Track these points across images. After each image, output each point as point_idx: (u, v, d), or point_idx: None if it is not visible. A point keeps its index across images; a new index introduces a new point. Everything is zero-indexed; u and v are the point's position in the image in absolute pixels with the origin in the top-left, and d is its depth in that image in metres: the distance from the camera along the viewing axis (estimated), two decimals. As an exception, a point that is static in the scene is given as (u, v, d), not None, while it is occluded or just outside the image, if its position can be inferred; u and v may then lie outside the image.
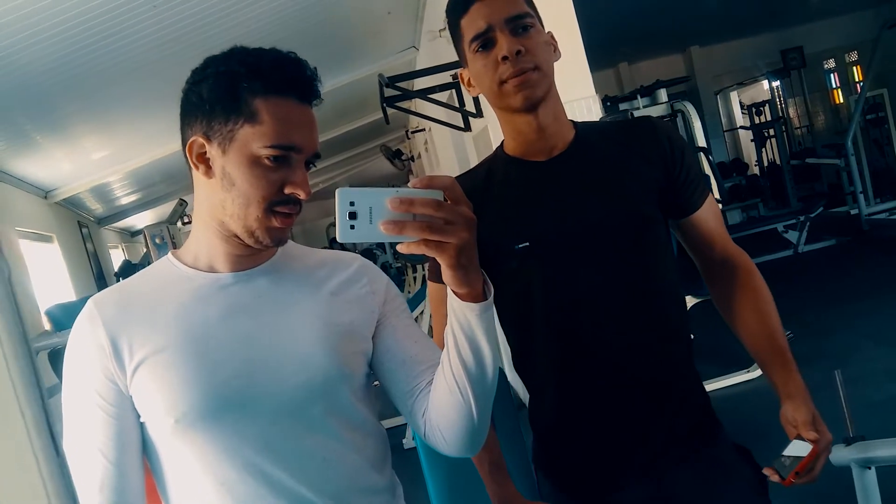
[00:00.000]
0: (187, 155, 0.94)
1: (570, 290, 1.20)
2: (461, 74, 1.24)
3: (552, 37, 1.21)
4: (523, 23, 1.13)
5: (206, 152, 0.93)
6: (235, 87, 0.90)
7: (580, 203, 1.18)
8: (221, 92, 0.91)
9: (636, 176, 1.20)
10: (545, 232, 1.19)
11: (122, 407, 0.94)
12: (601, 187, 1.19)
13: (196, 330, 0.94)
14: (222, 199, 0.93)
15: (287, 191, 0.91)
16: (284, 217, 0.93)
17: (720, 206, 7.01)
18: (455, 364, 0.92)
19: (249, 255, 0.99)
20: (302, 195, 0.92)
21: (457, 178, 1.31)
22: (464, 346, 0.90)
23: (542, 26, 1.19)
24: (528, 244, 1.19)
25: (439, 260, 0.82)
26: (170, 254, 1.02)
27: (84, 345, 0.95)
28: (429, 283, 1.34)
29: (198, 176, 0.95)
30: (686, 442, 1.23)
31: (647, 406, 1.21)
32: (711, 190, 1.35)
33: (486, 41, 1.13)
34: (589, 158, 1.20)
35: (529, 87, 1.13)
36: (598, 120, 1.35)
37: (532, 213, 1.21)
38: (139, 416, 0.95)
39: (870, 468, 2.10)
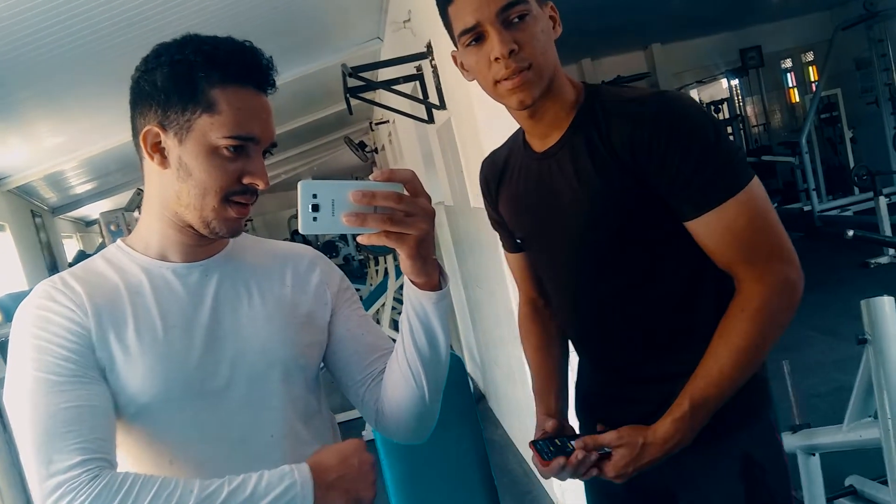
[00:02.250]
0: (141, 144, 0.93)
1: (557, 283, 1.25)
2: (454, 57, 1.15)
3: (553, 8, 1.10)
4: (517, 11, 1.03)
5: (160, 142, 0.92)
6: (192, 77, 0.89)
7: (563, 198, 1.13)
8: (177, 81, 0.90)
9: (623, 166, 1.07)
10: (532, 228, 1.24)
11: (96, 368, 0.89)
12: (585, 180, 1.10)
13: (155, 320, 0.93)
14: (177, 189, 0.92)
15: (246, 181, 0.92)
16: (241, 207, 0.93)
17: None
18: (410, 350, 0.96)
19: (202, 245, 0.99)
20: (261, 185, 0.92)
21: (488, 156, 1.35)
22: (419, 333, 0.94)
23: (541, 4, 1.08)
24: (522, 236, 1.29)
25: (399, 250, 0.86)
26: (119, 241, 1.01)
27: (56, 304, 0.90)
28: (505, 253, 1.39)
29: (151, 166, 0.94)
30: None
31: (629, 392, 1.20)
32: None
33: (476, 36, 1.05)
34: (578, 149, 1.11)
35: (525, 90, 1.06)
36: (613, 89, 1.16)
37: (524, 207, 1.24)
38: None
39: (814, 455, 2.17)
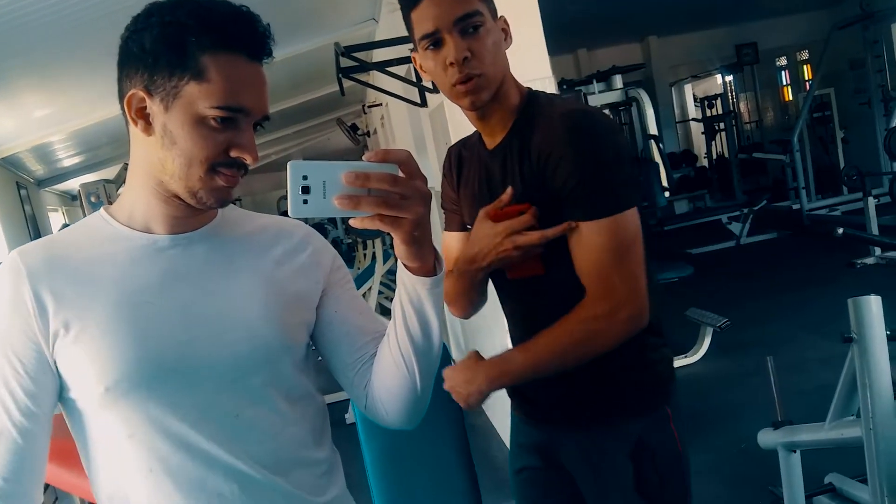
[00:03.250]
0: (125, 109, 0.89)
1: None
2: (414, 58, 1.24)
3: (505, 21, 1.23)
4: (473, 22, 1.14)
5: (146, 107, 0.87)
6: (182, 41, 0.84)
7: (498, 193, 1.24)
8: (167, 44, 0.85)
9: (533, 171, 1.20)
10: (476, 216, 1.29)
11: (38, 370, 0.88)
12: (513, 180, 1.23)
13: (131, 294, 0.89)
14: (162, 157, 0.88)
15: (233, 154, 0.87)
16: (229, 177, 0.89)
17: (667, 193, 7.17)
18: (402, 336, 0.93)
19: (188, 216, 0.95)
20: (249, 160, 0.88)
21: (456, 143, 1.44)
22: (412, 319, 0.91)
23: (494, 15, 1.20)
24: (469, 222, 1.34)
25: (393, 235, 0.83)
26: (102, 210, 0.97)
27: (3, 298, 0.88)
28: (445, 233, 1.42)
29: (135, 132, 0.90)
30: (569, 414, 1.31)
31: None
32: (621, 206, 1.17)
33: (434, 41, 1.16)
34: (513, 151, 1.23)
35: (475, 93, 1.17)
36: (548, 97, 1.28)
37: (474, 196, 1.33)
38: (60, 384, 0.90)
39: (795, 451, 2.18)
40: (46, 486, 1.85)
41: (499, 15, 1.23)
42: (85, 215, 5.94)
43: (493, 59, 1.17)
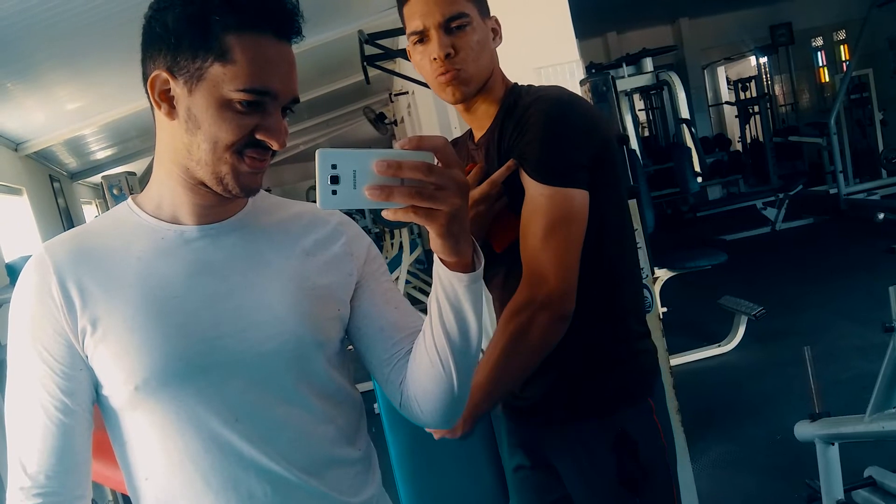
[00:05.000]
0: (148, 92, 0.85)
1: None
2: (408, 49, 1.28)
3: (496, 21, 1.28)
4: (458, 23, 1.20)
5: (169, 90, 0.84)
6: (206, 20, 0.80)
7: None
8: (189, 23, 0.81)
9: (518, 138, 1.23)
10: None
11: (72, 365, 0.86)
12: (495, 168, 1.25)
13: (158, 288, 0.86)
14: (187, 143, 0.84)
15: (259, 137, 0.83)
16: (255, 160, 0.84)
17: (700, 178, 7.05)
18: (438, 334, 0.87)
19: (217, 206, 0.91)
20: (275, 145, 0.84)
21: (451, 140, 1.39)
22: (448, 317, 0.85)
23: (485, 14, 1.25)
24: None
25: (428, 228, 0.77)
26: (130, 199, 0.94)
27: (32, 293, 0.87)
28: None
29: (160, 116, 0.86)
30: (552, 409, 1.31)
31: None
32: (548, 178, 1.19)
33: (421, 37, 1.22)
34: (494, 141, 1.27)
35: (455, 87, 1.22)
36: (527, 88, 1.30)
37: None
38: (94, 379, 0.88)
39: (833, 444, 2.11)
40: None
41: (491, 14, 1.27)
42: (108, 208, 6.01)
43: (476, 57, 1.21)
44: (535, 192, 1.18)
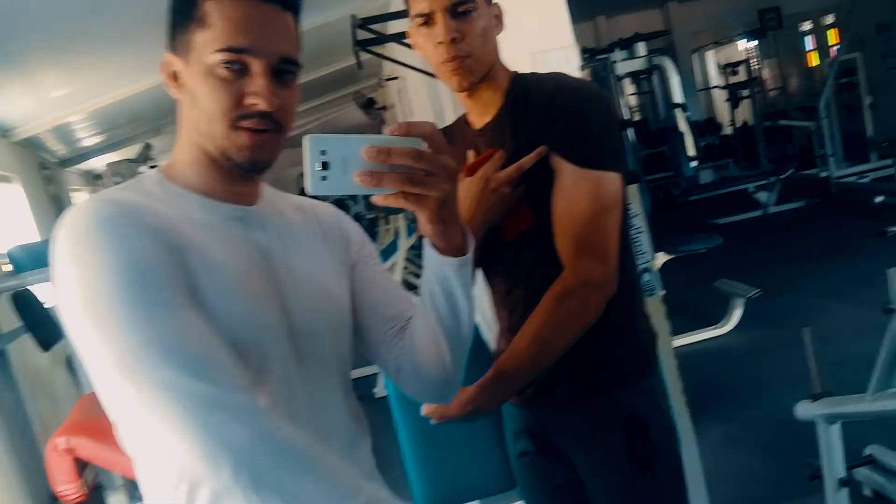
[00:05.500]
0: (162, 77, 0.87)
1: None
2: (408, 33, 1.27)
3: (499, 8, 1.27)
4: (465, 7, 1.18)
5: (177, 70, 0.85)
6: None
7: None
8: None
9: (529, 142, 1.22)
10: None
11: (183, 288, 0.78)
12: (519, 151, 1.23)
13: (221, 260, 0.84)
14: (193, 118, 0.84)
15: (246, 102, 0.81)
16: (254, 133, 0.83)
17: (694, 163, 7.07)
18: (430, 316, 0.90)
19: (240, 185, 0.90)
20: (262, 105, 0.81)
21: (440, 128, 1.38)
22: (440, 300, 0.88)
23: (487, 3, 1.23)
24: None
25: (418, 213, 0.79)
26: (156, 174, 0.90)
27: (132, 233, 0.77)
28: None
29: (178, 99, 0.87)
30: (557, 392, 1.29)
31: None
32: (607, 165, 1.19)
33: (426, 20, 1.20)
34: (503, 129, 1.26)
35: (462, 75, 1.21)
36: (536, 76, 1.29)
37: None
38: None
39: (834, 423, 2.14)
40: (86, 464, 1.87)
41: (493, 1, 1.26)
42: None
43: (481, 43, 1.20)
44: (577, 177, 1.18)
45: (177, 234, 0.81)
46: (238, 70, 0.81)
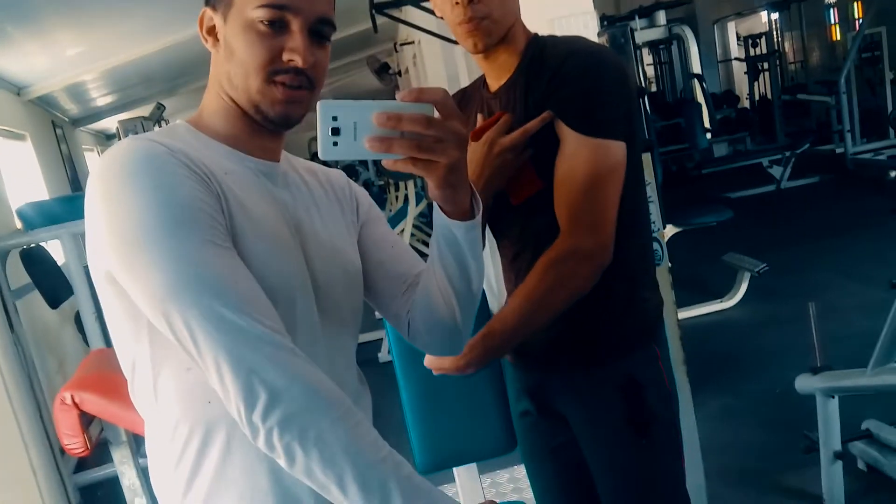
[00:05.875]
0: (199, 31, 0.89)
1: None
2: None
3: None
4: None
5: (214, 24, 0.88)
6: None
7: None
8: None
9: (538, 106, 1.22)
10: None
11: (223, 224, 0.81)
12: (518, 119, 1.23)
13: (255, 210, 0.86)
14: (227, 71, 0.87)
15: (284, 57, 0.84)
16: (288, 88, 0.85)
17: (709, 135, 6.99)
18: (440, 276, 0.92)
19: (267, 141, 0.92)
20: (299, 61, 0.84)
21: (458, 91, 1.42)
22: (448, 260, 0.90)
23: None
24: None
25: (427, 178, 0.80)
26: (187, 123, 0.92)
27: (162, 161, 0.79)
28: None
29: (212, 52, 0.90)
30: (559, 356, 1.32)
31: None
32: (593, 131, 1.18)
33: None
34: (518, 91, 1.25)
35: (478, 36, 1.19)
36: (553, 39, 1.28)
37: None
38: None
39: (833, 397, 2.15)
40: (93, 418, 1.92)
41: None
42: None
43: (500, 4, 1.18)
44: (578, 144, 1.17)
45: (216, 180, 0.83)
46: (277, 26, 0.84)
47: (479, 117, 1.30)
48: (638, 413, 1.27)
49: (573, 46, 1.22)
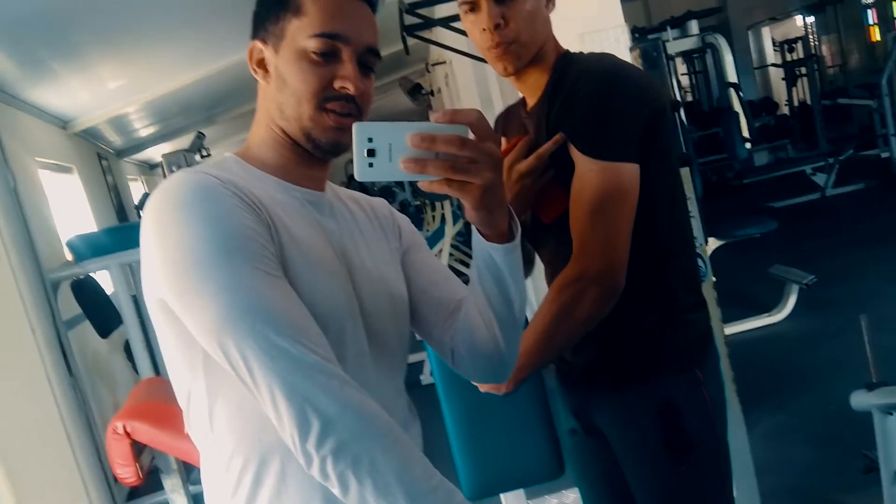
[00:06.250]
0: (248, 62, 0.92)
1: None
2: (461, 16, 1.27)
3: None
4: None
5: (264, 57, 0.91)
6: None
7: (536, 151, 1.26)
8: None
9: (568, 111, 1.21)
10: None
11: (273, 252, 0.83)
12: (544, 137, 1.23)
13: (303, 238, 0.88)
14: (279, 101, 0.89)
15: (336, 85, 0.87)
16: (338, 115, 0.87)
17: (748, 144, 6.86)
18: (481, 301, 0.92)
19: (315, 170, 0.94)
20: (350, 88, 0.87)
21: (505, 108, 1.44)
22: (489, 285, 0.90)
23: None
24: None
25: (462, 200, 0.80)
26: (234, 156, 0.94)
27: (215, 193, 0.81)
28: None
29: (261, 84, 0.92)
30: (600, 375, 1.31)
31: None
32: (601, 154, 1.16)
33: (472, 6, 1.20)
34: (545, 110, 1.24)
35: (508, 60, 1.21)
36: (582, 56, 1.28)
37: None
38: None
39: (891, 414, 2.07)
40: (144, 447, 1.94)
41: None
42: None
43: (527, 26, 1.19)
44: (585, 168, 1.17)
45: (266, 210, 0.85)
46: (329, 56, 0.87)
47: (503, 140, 1.30)
48: (676, 439, 1.25)
49: (589, 65, 1.22)
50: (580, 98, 1.17)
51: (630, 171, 1.16)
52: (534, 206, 1.28)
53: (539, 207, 1.27)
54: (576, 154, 1.18)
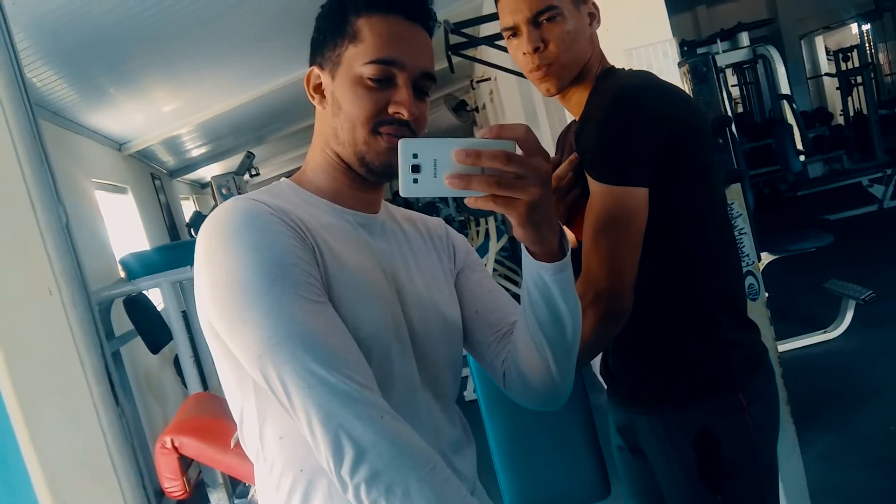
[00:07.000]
0: (305, 88, 0.94)
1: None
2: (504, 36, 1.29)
3: (594, 6, 1.26)
4: (547, 16, 1.18)
5: (320, 82, 0.92)
6: (342, 10, 0.89)
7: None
8: (330, 18, 0.90)
9: (582, 131, 1.22)
10: None
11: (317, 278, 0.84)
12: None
13: (350, 262, 0.88)
14: (334, 126, 0.91)
15: (390, 110, 0.87)
16: (392, 137, 0.88)
17: (802, 157, 6.69)
18: (532, 323, 0.89)
19: (369, 194, 0.95)
20: (405, 114, 0.87)
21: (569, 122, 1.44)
22: (539, 306, 0.87)
23: (576, 4, 1.22)
24: None
25: (509, 216, 0.78)
26: (290, 182, 0.96)
27: (272, 228, 0.82)
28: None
29: (318, 109, 0.94)
30: (643, 395, 1.29)
31: (623, 350, 1.30)
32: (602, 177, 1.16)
33: (514, 32, 1.22)
34: (586, 131, 1.23)
35: (550, 82, 1.22)
36: (619, 72, 1.27)
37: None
38: None
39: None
40: (190, 462, 1.97)
41: None
42: (217, 204, 6.31)
43: (567, 47, 1.20)
44: (593, 189, 1.18)
45: (312, 235, 0.86)
46: (384, 81, 0.87)
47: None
48: (713, 468, 1.21)
49: (615, 83, 1.20)
50: (592, 118, 1.18)
51: (635, 196, 1.14)
52: (567, 225, 1.27)
53: (572, 226, 1.27)
54: (587, 175, 1.19)
